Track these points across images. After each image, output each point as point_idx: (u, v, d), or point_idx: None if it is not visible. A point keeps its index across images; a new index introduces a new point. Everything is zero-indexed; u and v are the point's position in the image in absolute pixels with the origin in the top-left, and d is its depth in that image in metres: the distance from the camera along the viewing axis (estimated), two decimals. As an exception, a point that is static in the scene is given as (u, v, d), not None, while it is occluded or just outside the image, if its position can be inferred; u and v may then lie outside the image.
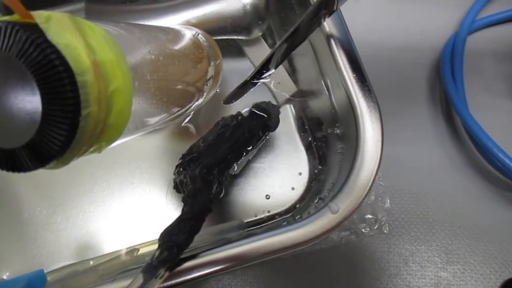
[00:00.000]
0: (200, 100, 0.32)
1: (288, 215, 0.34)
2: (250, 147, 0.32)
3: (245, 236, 0.25)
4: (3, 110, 0.16)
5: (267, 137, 0.35)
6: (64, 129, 0.16)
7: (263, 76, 0.30)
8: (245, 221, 0.34)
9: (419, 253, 0.37)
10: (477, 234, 0.37)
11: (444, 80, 0.40)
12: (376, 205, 0.36)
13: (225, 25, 0.36)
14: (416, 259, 0.36)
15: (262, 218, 0.35)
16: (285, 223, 0.33)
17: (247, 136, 0.31)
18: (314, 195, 0.34)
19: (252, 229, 0.33)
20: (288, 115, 0.38)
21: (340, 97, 0.29)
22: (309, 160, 0.37)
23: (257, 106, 0.33)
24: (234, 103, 0.33)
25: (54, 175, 0.36)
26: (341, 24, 0.29)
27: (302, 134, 0.38)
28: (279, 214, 0.35)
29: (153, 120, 0.26)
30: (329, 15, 0.27)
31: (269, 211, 0.35)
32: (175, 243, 0.23)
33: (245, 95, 0.32)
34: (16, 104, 0.16)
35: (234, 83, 0.32)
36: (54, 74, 0.15)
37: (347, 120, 0.28)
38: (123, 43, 0.20)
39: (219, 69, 0.33)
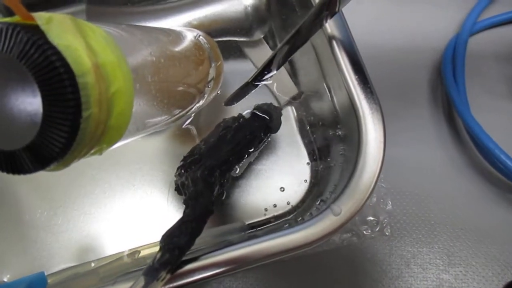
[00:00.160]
0: (201, 102, 0.32)
1: (290, 217, 0.34)
2: (252, 149, 0.32)
3: (247, 238, 0.25)
4: (4, 112, 0.16)
5: (269, 139, 0.35)
6: (65, 131, 0.16)
7: (264, 78, 0.30)
8: (247, 223, 0.34)
9: (421, 255, 0.37)
10: (479, 236, 0.37)
11: (445, 82, 0.40)
12: (377, 207, 0.36)
13: (227, 27, 0.36)
14: (418, 261, 0.36)
15: (264, 220, 0.35)
16: (287, 225, 0.33)
17: (248, 138, 0.31)
18: (316, 196, 0.33)
19: (253, 231, 0.33)
20: (289, 117, 0.38)
21: (342, 99, 0.28)
22: (310, 162, 0.37)
23: (258, 107, 0.33)
24: (236, 104, 0.33)
25: (55, 176, 0.35)
26: (343, 25, 0.29)
27: (304, 135, 0.37)
28: (281, 216, 0.35)
29: (154, 121, 0.26)
30: (331, 17, 0.26)
31: (270, 213, 0.35)
32: (177, 245, 0.23)
33: (246, 96, 0.32)
34: (17, 105, 0.16)
35: (235, 85, 0.32)
36: (55, 76, 0.15)
37: (349, 122, 0.28)
38: (124, 45, 0.20)
39: (220, 71, 0.33)
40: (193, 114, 0.35)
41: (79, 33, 0.17)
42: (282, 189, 0.36)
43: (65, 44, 0.16)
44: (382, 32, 0.43)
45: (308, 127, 0.38)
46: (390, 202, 0.36)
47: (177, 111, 0.29)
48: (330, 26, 0.29)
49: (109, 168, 0.36)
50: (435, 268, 0.36)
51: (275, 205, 0.35)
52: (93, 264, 0.29)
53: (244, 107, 0.34)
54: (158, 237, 0.24)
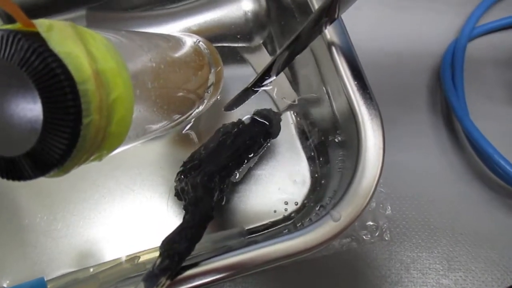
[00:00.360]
0: (201, 107, 0.32)
1: (289, 223, 0.34)
2: (252, 155, 0.32)
3: (246, 244, 0.25)
4: (4, 118, 0.16)
5: (269, 144, 0.35)
6: (65, 138, 0.16)
7: (264, 83, 0.30)
8: (246, 228, 0.34)
9: (421, 260, 0.37)
10: (478, 241, 0.37)
11: (444, 87, 0.40)
12: (377, 212, 0.36)
13: (226, 32, 0.36)
14: (418, 266, 0.36)
15: (263, 225, 0.35)
16: (286, 230, 0.33)
17: (248, 143, 0.31)
18: (316, 202, 0.33)
19: (253, 236, 0.33)
20: (289, 122, 0.38)
21: (341, 105, 0.29)
22: (310, 167, 0.37)
23: (258, 113, 0.33)
24: (235, 110, 0.33)
25: (55, 182, 0.35)
26: (343, 32, 0.29)
27: (304, 141, 0.38)
28: (280, 221, 0.35)
29: (154, 127, 0.26)
30: (331, 23, 0.27)
31: (270, 219, 0.35)
32: (177, 251, 0.23)
33: (246, 102, 0.32)
34: (17, 112, 0.16)
35: (235, 90, 0.32)
36: (55, 83, 0.15)
37: (349, 128, 0.28)
38: (124, 51, 0.21)
39: (220, 76, 0.34)
40: (193, 120, 0.35)
41: (80, 40, 0.17)
42: (282, 195, 0.36)
43: (66, 51, 0.16)
44: (381, 37, 0.43)
45: (307, 133, 0.38)
46: (389, 207, 0.36)
47: (176, 116, 0.29)
48: (329, 32, 0.29)
49: (109, 173, 0.36)
50: (434, 273, 0.36)
51: (274, 211, 0.35)
52: (92, 270, 0.29)
53: (243, 113, 0.34)
54: (158, 242, 0.24)
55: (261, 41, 0.38)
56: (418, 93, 0.42)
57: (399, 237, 0.37)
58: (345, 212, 0.25)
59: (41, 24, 0.16)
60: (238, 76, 0.39)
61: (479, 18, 0.43)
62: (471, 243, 0.37)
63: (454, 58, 0.41)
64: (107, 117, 0.18)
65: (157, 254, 0.24)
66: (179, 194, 0.31)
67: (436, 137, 0.41)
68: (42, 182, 0.35)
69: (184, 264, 0.24)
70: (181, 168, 0.32)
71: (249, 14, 0.35)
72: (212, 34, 0.36)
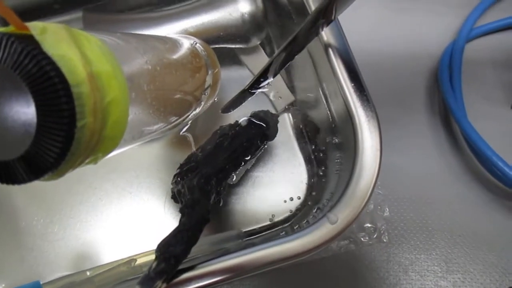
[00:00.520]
0: (198, 109, 0.32)
1: (287, 225, 0.34)
2: (249, 157, 0.32)
3: (244, 247, 0.25)
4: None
5: (266, 146, 0.35)
6: (59, 141, 0.16)
7: (261, 85, 0.30)
8: (244, 230, 0.34)
9: (419, 262, 0.37)
10: (477, 243, 0.37)
11: (442, 88, 0.40)
12: (375, 214, 0.36)
13: (223, 34, 0.36)
14: (416, 268, 0.36)
15: (261, 227, 0.35)
16: (283, 233, 0.33)
17: (245, 145, 0.31)
18: (313, 204, 0.33)
19: (250, 239, 0.33)
20: (286, 124, 0.38)
21: (338, 107, 0.28)
22: (307, 169, 0.37)
23: (255, 115, 0.33)
24: (232, 112, 0.33)
25: (51, 184, 0.35)
26: (339, 33, 0.29)
27: (301, 143, 0.37)
28: (278, 223, 0.35)
29: (150, 130, 0.26)
30: (327, 25, 0.27)
31: (267, 221, 0.35)
32: (173, 254, 0.23)
33: (243, 104, 0.32)
34: (11, 116, 0.16)
35: (232, 92, 0.32)
36: (49, 86, 0.15)
37: (346, 130, 0.28)
38: (120, 54, 0.20)
39: (217, 78, 0.33)
40: (190, 122, 0.35)
41: (74, 42, 0.17)
42: (279, 197, 0.36)
43: (60, 54, 0.16)
44: (379, 39, 0.43)
45: (305, 135, 0.38)
46: (387, 208, 0.36)
47: (173, 118, 0.29)
48: (326, 34, 0.29)
49: (105, 176, 0.36)
50: (433, 275, 0.36)
51: (272, 213, 0.35)
52: (88, 273, 0.29)
53: (241, 115, 0.34)
54: (154, 245, 0.24)
55: (258, 43, 0.38)
56: (416, 94, 0.42)
57: (397, 239, 0.37)
58: (342, 214, 0.24)
59: (35, 27, 0.16)
60: (235, 78, 0.39)
61: (477, 19, 0.43)
62: (469, 245, 0.37)
63: (452, 60, 0.41)
64: (102, 120, 0.18)
65: (153, 257, 0.24)
66: (175, 197, 0.31)
67: (434, 139, 0.40)
68: (38, 185, 0.35)
69: (180, 267, 0.23)
70: (178, 171, 0.31)
71: (246, 15, 0.35)
72: (209, 36, 0.36)
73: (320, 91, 0.32)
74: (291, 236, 0.24)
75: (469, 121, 0.38)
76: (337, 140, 0.31)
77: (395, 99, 0.42)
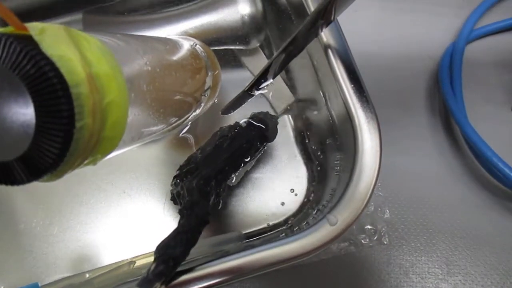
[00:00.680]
0: (198, 111, 0.32)
1: (286, 226, 0.34)
2: (248, 158, 0.32)
3: (243, 248, 0.24)
4: (-2, 122, 0.16)
5: (265, 147, 0.35)
6: (58, 142, 0.16)
7: (261, 87, 0.30)
8: (244, 232, 0.34)
9: (420, 264, 0.36)
10: (478, 245, 0.37)
11: (442, 90, 0.40)
12: (375, 216, 0.36)
13: (223, 36, 0.36)
14: (417, 270, 0.36)
15: (261, 229, 0.35)
16: (283, 234, 0.33)
17: (245, 146, 0.31)
18: (313, 205, 0.33)
19: (250, 241, 0.33)
20: (286, 125, 0.38)
21: (338, 108, 0.28)
22: (307, 171, 0.37)
23: (255, 116, 0.33)
24: (232, 113, 0.33)
25: (51, 186, 0.35)
26: (339, 34, 0.29)
27: (301, 144, 0.37)
28: (278, 225, 0.35)
29: (150, 131, 0.26)
30: (327, 26, 0.27)
31: (267, 222, 0.35)
32: (171, 256, 0.22)
33: (243, 105, 0.32)
34: (10, 116, 0.16)
35: (232, 93, 0.32)
36: (48, 86, 0.15)
37: (345, 131, 0.28)
38: (120, 55, 0.20)
39: (217, 80, 0.33)
40: (190, 123, 0.35)
41: (73, 43, 0.17)
42: (279, 198, 0.36)
43: (59, 55, 0.16)
44: (379, 40, 0.43)
45: (305, 136, 0.38)
46: (388, 210, 0.36)
47: (173, 120, 0.29)
48: (325, 35, 0.29)
49: (105, 178, 0.36)
50: (434, 277, 0.36)
51: (272, 214, 0.35)
52: (88, 275, 0.29)
53: (241, 116, 0.34)
54: (154, 247, 0.24)
55: (258, 44, 0.38)
56: (416, 95, 0.42)
57: (397, 241, 0.37)
58: (342, 216, 0.24)
59: (34, 27, 0.16)
60: (235, 79, 0.39)
61: (477, 21, 0.43)
62: (470, 247, 0.37)
63: (452, 61, 0.41)
64: (101, 121, 0.18)
65: (152, 259, 0.23)
66: (175, 198, 0.31)
67: (435, 140, 0.40)
68: (38, 186, 0.35)
69: (179, 269, 0.23)
70: (178, 172, 0.31)
71: (246, 17, 0.35)
72: (209, 37, 0.36)
73: (320, 92, 0.32)
74: (291, 237, 0.24)
75: (469, 123, 0.38)
76: (337, 142, 0.30)
77: (395, 100, 0.42)
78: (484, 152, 0.36)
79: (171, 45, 0.29)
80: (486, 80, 0.42)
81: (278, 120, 0.35)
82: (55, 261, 0.34)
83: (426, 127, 0.41)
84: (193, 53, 0.31)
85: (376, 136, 0.26)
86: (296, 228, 0.32)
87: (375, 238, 0.36)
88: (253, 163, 0.35)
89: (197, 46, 0.32)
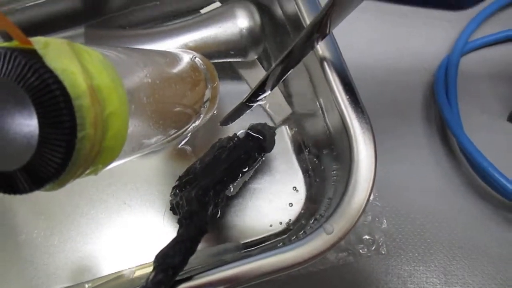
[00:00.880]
0: (197, 122, 0.33)
1: (284, 236, 0.34)
2: (246, 168, 0.32)
3: (241, 258, 0.25)
4: (1, 133, 0.17)
5: (263, 158, 0.35)
6: (61, 152, 0.16)
7: (259, 98, 0.31)
8: (242, 242, 0.34)
9: (418, 274, 0.37)
10: (475, 254, 0.37)
11: (438, 101, 0.40)
12: (373, 226, 0.36)
13: (222, 49, 0.37)
14: (415, 280, 0.36)
15: (259, 239, 0.35)
16: (281, 244, 0.33)
17: (243, 157, 0.32)
18: (310, 215, 0.34)
19: (248, 250, 0.33)
20: (284, 136, 0.38)
21: (334, 119, 0.29)
22: (305, 181, 0.37)
23: (253, 127, 0.34)
24: (231, 124, 0.33)
25: (52, 197, 0.36)
26: (334, 47, 0.29)
27: (298, 155, 0.38)
28: (276, 235, 0.35)
29: (149, 142, 0.26)
30: (322, 39, 0.27)
31: (265, 232, 0.35)
32: (170, 265, 0.23)
33: (241, 117, 0.33)
34: (14, 127, 0.16)
35: (230, 105, 0.32)
36: (51, 98, 0.16)
37: (341, 142, 0.28)
38: (121, 67, 0.21)
39: (216, 92, 0.34)
40: (189, 134, 0.35)
41: (76, 56, 0.17)
42: (277, 208, 0.36)
43: (62, 68, 0.16)
44: (375, 53, 0.44)
45: (302, 147, 0.38)
46: (385, 220, 0.37)
47: (173, 131, 0.29)
48: (321, 47, 0.29)
49: (105, 189, 0.36)
50: (432, 287, 0.36)
51: (270, 225, 0.35)
52: (87, 286, 0.29)
53: (239, 127, 0.34)
54: (153, 257, 0.25)
55: (256, 57, 0.39)
56: (413, 106, 0.43)
57: (395, 250, 0.37)
58: (338, 225, 0.25)
59: (38, 42, 0.17)
60: (233, 91, 0.40)
61: (471, 33, 0.43)
62: (467, 256, 0.37)
63: (447, 73, 0.41)
64: (102, 132, 0.18)
65: (152, 268, 0.24)
66: (174, 209, 0.31)
67: (432, 151, 0.41)
68: (39, 198, 0.35)
69: (178, 278, 0.24)
70: (177, 183, 0.32)
71: (244, 31, 0.36)
72: (208, 50, 0.36)
73: (317, 103, 0.32)
74: (288, 246, 0.24)
75: (465, 133, 0.38)
76: (333, 152, 0.31)
77: (392, 111, 0.42)
78: (479, 162, 0.36)
79: (171, 58, 0.30)
80: (482, 91, 0.43)
81: (276, 131, 0.35)
82: (55, 272, 0.34)
83: (423, 138, 0.41)
84: (192, 65, 0.31)
85: (371, 146, 0.26)
86: (294, 237, 0.32)
87: (373, 248, 0.36)
88: (251, 174, 0.36)
89: (197, 59, 0.33)
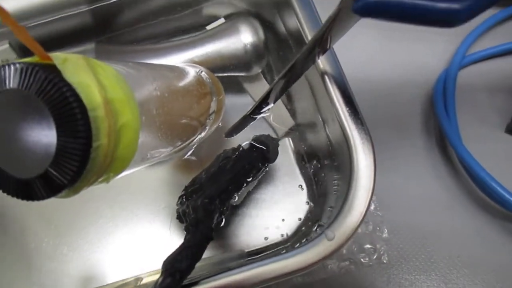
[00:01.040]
0: (203, 134, 0.34)
1: (288, 244, 0.35)
2: (250, 178, 0.33)
3: (245, 264, 0.26)
4: (21, 143, 0.18)
5: (267, 168, 0.36)
6: (76, 160, 0.17)
7: (262, 111, 0.31)
8: (246, 251, 0.35)
9: (419, 283, 0.37)
10: (475, 263, 0.38)
11: (437, 113, 0.41)
12: (374, 235, 0.37)
13: (227, 63, 0.37)
14: (416, 289, 0.37)
15: (262, 248, 0.35)
16: (284, 251, 0.33)
17: (247, 167, 0.33)
18: (312, 224, 0.34)
19: (252, 259, 0.34)
20: (287, 148, 0.39)
21: (335, 130, 0.30)
22: (307, 191, 0.38)
23: (256, 139, 0.34)
24: (235, 136, 0.34)
25: (61, 207, 0.37)
26: (335, 61, 0.30)
27: (301, 166, 0.39)
28: (279, 243, 0.35)
29: (158, 152, 0.27)
30: (323, 53, 0.28)
31: (269, 241, 0.36)
32: (178, 269, 0.24)
33: (245, 128, 0.34)
34: (33, 137, 0.17)
35: (235, 118, 0.33)
36: (68, 110, 0.17)
37: (342, 152, 0.29)
38: (132, 81, 0.22)
39: (221, 105, 0.35)
40: (195, 146, 0.36)
41: (91, 71, 0.18)
42: (280, 217, 0.37)
43: (78, 82, 0.17)
44: (375, 67, 0.45)
45: (304, 157, 0.39)
46: (386, 230, 0.37)
47: (179, 142, 0.30)
48: (322, 62, 0.30)
49: (113, 199, 0.37)
50: (433, 296, 0.36)
51: (273, 233, 0.36)
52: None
53: (243, 139, 0.35)
54: (160, 266, 0.25)
55: (260, 71, 0.39)
56: (412, 119, 0.43)
57: (396, 260, 0.38)
58: (339, 231, 0.25)
59: (57, 57, 0.18)
60: (238, 104, 0.40)
61: (469, 47, 0.44)
62: (468, 266, 0.38)
63: (446, 86, 0.42)
64: (115, 142, 0.19)
65: (158, 276, 0.24)
66: (180, 217, 0.32)
67: (431, 162, 0.42)
68: (49, 207, 0.36)
69: (185, 282, 0.24)
70: (183, 192, 0.33)
71: (248, 46, 0.37)
72: (213, 65, 0.37)
73: (318, 116, 0.33)
74: (291, 252, 0.25)
75: (463, 145, 0.39)
76: (334, 162, 0.32)
77: (392, 124, 0.43)
78: (478, 172, 0.37)
79: (178, 72, 0.31)
80: (480, 103, 0.44)
81: (280, 142, 0.36)
82: (64, 280, 0.35)
83: (423, 150, 0.42)
84: (198, 79, 0.32)
85: (370, 156, 0.27)
86: (297, 245, 0.33)
87: (375, 257, 0.36)
88: (255, 183, 0.37)
89: (203, 73, 0.34)
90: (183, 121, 0.29)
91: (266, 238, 0.36)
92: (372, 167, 0.27)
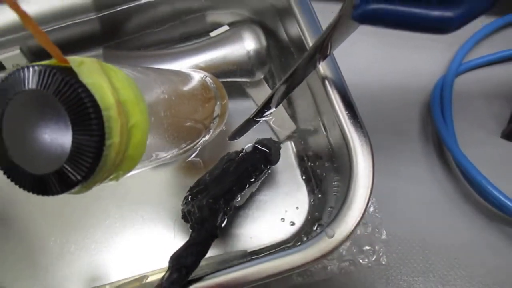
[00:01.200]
0: (207, 137, 0.34)
1: (289, 244, 0.36)
2: (253, 180, 0.34)
3: (248, 261, 0.26)
4: (38, 141, 0.19)
5: (269, 170, 0.37)
6: (90, 157, 0.18)
7: (264, 115, 0.32)
8: (248, 251, 0.36)
9: (417, 285, 0.38)
10: (473, 265, 0.38)
11: (434, 119, 0.42)
12: (373, 237, 0.38)
13: (230, 69, 0.38)
14: (414, 291, 0.37)
15: (264, 248, 0.36)
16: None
17: (250, 169, 0.33)
18: (313, 223, 0.35)
19: (254, 258, 0.34)
20: (288, 151, 0.40)
21: (335, 133, 0.31)
22: (308, 192, 0.38)
23: (259, 142, 0.35)
24: (238, 139, 0.35)
25: (69, 207, 0.37)
26: (335, 67, 0.31)
27: (302, 168, 0.39)
28: (280, 243, 0.36)
29: (164, 153, 0.28)
30: (324, 59, 0.28)
31: (270, 241, 0.37)
32: (184, 265, 0.24)
33: (248, 132, 0.34)
34: (50, 135, 0.18)
35: (238, 121, 0.34)
36: (84, 109, 0.18)
37: (342, 155, 0.30)
38: (141, 84, 0.23)
39: (225, 109, 0.36)
40: (199, 148, 0.37)
41: (105, 74, 0.20)
42: (282, 218, 0.38)
43: (93, 83, 0.19)
44: (374, 73, 0.46)
45: (306, 160, 0.40)
46: (384, 231, 0.38)
47: (184, 144, 0.31)
48: (323, 67, 0.31)
49: (120, 199, 0.38)
50: (431, 297, 0.37)
51: (275, 234, 0.37)
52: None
53: (246, 142, 0.36)
54: (165, 265, 0.26)
55: (262, 76, 0.40)
56: (411, 125, 0.44)
57: (395, 261, 0.39)
58: (339, 229, 0.26)
59: (74, 61, 0.19)
60: (241, 108, 0.41)
61: (465, 55, 0.45)
62: (465, 267, 0.38)
63: (443, 93, 0.43)
64: (126, 141, 0.20)
65: (164, 272, 0.25)
66: (186, 217, 0.33)
67: (429, 166, 0.42)
68: (56, 207, 0.37)
69: (190, 278, 0.25)
70: (188, 193, 0.34)
71: (251, 52, 0.38)
72: (218, 70, 0.38)
73: (319, 120, 0.34)
74: (293, 249, 0.26)
75: (460, 149, 0.39)
76: (334, 164, 0.33)
77: (391, 129, 0.44)
78: (474, 176, 0.38)
79: (183, 77, 0.32)
80: (476, 109, 0.44)
81: (281, 145, 0.37)
82: (70, 278, 0.36)
83: (421, 154, 0.43)
84: (203, 84, 0.33)
85: (369, 158, 0.28)
86: (299, 244, 0.34)
87: (374, 258, 0.37)
88: (258, 185, 0.37)
89: (207, 78, 0.35)
90: (188, 124, 0.30)
91: (268, 238, 0.37)
92: (371, 168, 0.28)
